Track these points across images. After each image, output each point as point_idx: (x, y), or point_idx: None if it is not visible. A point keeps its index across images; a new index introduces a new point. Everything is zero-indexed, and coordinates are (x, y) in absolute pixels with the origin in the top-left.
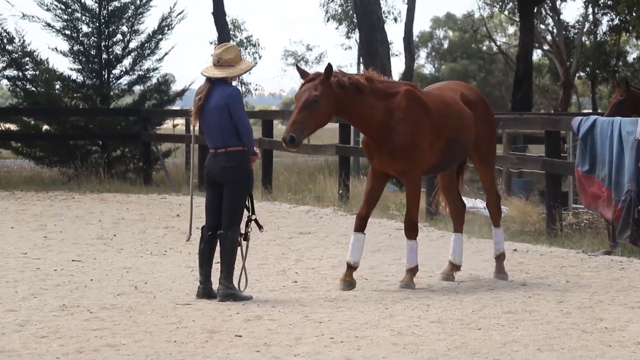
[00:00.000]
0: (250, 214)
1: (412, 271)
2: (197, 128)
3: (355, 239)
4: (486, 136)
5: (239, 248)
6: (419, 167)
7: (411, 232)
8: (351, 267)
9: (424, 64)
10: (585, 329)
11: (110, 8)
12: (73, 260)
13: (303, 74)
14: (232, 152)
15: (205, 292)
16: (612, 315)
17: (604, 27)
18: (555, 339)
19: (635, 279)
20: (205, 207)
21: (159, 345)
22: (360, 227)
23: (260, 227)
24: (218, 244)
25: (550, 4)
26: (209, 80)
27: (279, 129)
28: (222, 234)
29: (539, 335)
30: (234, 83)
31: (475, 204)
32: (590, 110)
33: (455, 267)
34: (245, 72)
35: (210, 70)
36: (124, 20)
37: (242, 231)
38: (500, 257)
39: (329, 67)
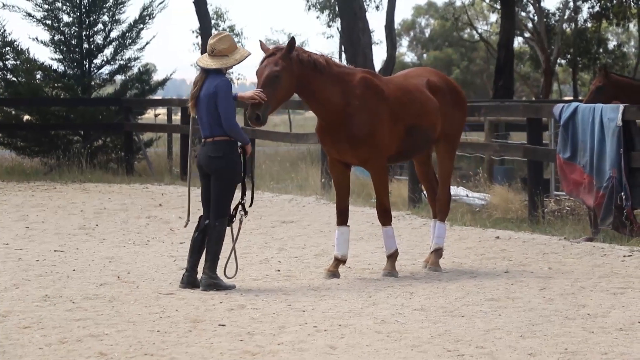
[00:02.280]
0: (240, 199)
1: (393, 257)
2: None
3: (339, 233)
4: (454, 124)
5: (228, 235)
6: (381, 154)
7: (384, 218)
8: (339, 260)
9: (406, 52)
10: (568, 315)
11: None
12: (55, 251)
13: (265, 49)
14: (218, 142)
15: (190, 280)
16: (595, 301)
17: (584, 14)
18: (538, 325)
19: (617, 265)
20: (201, 197)
21: (142, 335)
22: (342, 220)
23: (245, 212)
24: None
25: None
26: (204, 70)
27: None
28: (209, 223)
29: (521, 322)
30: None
31: (457, 191)
32: (572, 98)
33: (438, 252)
34: (240, 62)
35: (204, 60)
36: (105, 10)
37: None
38: (438, 252)
39: (292, 40)
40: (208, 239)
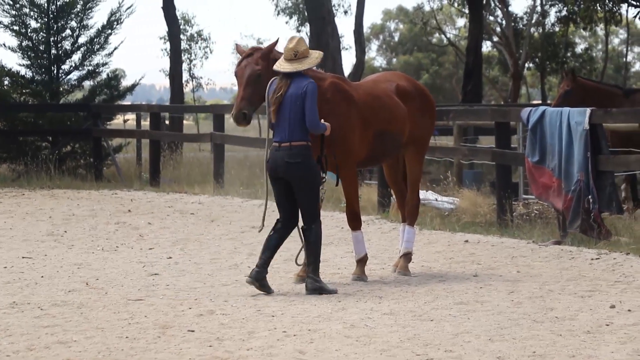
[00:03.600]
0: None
1: (362, 261)
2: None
3: None
4: (423, 128)
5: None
6: (350, 159)
7: (354, 222)
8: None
9: (375, 57)
10: (536, 318)
11: (58, 3)
12: (23, 257)
13: (241, 51)
14: (296, 147)
15: (258, 276)
16: (563, 304)
17: (552, 18)
18: (506, 329)
19: (584, 268)
20: (275, 200)
21: (110, 342)
22: None
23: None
24: (273, 238)
25: None
26: (286, 74)
27: (230, 123)
28: (305, 228)
29: (490, 325)
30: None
31: (426, 195)
32: (540, 102)
33: (407, 256)
34: (318, 62)
35: (287, 65)
36: (73, 16)
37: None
38: (407, 256)
39: (276, 42)
40: (306, 242)
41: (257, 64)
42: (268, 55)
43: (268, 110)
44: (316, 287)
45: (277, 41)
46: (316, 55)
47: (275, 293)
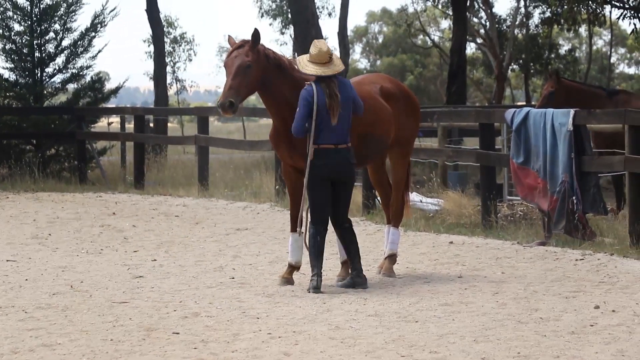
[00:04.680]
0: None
1: (346, 263)
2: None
3: (293, 240)
4: (407, 130)
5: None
6: None
7: None
8: (293, 267)
9: (359, 59)
10: (521, 319)
11: (42, 6)
12: (7, 260)
13: (232, 43)
14: (350, 149)
15: (320, 283)
16: (547, 305)
17: (535, 19)
18: (491, 330)
19: (569, 269)
20: (319, 202)
21: (95, 344)
22: (296, 227)
23: None
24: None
25: None
26: (324, 77)
27: (214, 125)
28: (347, 226)
29: (475, 326)
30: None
31: (411, 197)
32: (524, 103)
33: (392, 258)
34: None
35: (325, 68)
36: (56, 18)
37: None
38: (392, 257)
39: (256, 32)
40: (351, 241)
41: (247, 55)
42: (255, 47)
43: (314, 116)
44: (365, 281)
45: (257, 32)
46: (337, 56)
47: (260, 295)
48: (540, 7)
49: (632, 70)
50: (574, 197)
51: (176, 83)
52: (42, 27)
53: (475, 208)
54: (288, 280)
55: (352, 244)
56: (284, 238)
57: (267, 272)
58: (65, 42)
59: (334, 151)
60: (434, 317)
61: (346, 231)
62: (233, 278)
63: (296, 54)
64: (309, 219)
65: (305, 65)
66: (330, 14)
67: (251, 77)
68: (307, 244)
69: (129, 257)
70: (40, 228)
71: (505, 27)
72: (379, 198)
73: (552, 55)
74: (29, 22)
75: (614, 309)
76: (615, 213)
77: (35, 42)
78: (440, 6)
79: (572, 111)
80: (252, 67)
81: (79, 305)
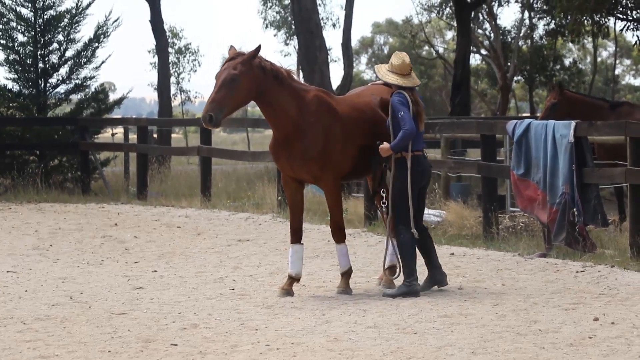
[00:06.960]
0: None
1: (347, 274)
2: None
3: (293, 251)
4: None
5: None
6: (333, 172)
7: (338, 235)
8: (293, 279)
9: (365, 70)
10: (520, 331)
11: (45, 17)
12: (8, 272)
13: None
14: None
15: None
16: (546, 317)
17: (540, 31)
18: (489, 342)
19: (569, 281)
20: (417, 208)
21: (92, 356)
22: (296, 238)
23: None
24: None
25: (487, 9)
26: (406, 88)
27: (219, 136)
28: (425, 231)
29: (473, 338)
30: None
31: None
32: (529, 114)
33: (392, 270)
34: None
35: (409, 79)
36: (60, 29)
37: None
38: (392, 269)
39: (258, 48)
40: (429, 242)
41: (235, 68)
42: (250, 61)
43: (416, 121)
44: (446, 277)
45: (259, 48)
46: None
47: (259, 306)
48: (545, 19)
49: (637, 82)
50: (574, 209)
51: (181, 94)
52: (46, 38)
53: (477, 219)
54: (288, 291)
55: (433, 244)
56: (285, 249)
57: (267, 284)
58: (68, 53)
59: (423, 157)
60: (433, 328)
61: (428, 235)
62: (233, 289)
63: (300, 65)
64: (400, 225)
65: (385, 74)
66: (334, 25)
67: (237, 90)
68: (399, 251)
69: (129, 268)
70: (41, 239)
71: (509, 39)
72: (380, 209)
73: (557, 67)
74: (33, 33)
75: (613, 321)
76: (616, 224)
77: (38, 52)
78: (444, 17)
79: (573, 123)
80: (238, 80)
81: (78, 317)
